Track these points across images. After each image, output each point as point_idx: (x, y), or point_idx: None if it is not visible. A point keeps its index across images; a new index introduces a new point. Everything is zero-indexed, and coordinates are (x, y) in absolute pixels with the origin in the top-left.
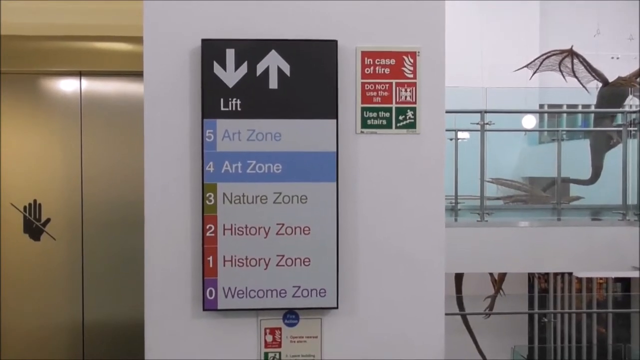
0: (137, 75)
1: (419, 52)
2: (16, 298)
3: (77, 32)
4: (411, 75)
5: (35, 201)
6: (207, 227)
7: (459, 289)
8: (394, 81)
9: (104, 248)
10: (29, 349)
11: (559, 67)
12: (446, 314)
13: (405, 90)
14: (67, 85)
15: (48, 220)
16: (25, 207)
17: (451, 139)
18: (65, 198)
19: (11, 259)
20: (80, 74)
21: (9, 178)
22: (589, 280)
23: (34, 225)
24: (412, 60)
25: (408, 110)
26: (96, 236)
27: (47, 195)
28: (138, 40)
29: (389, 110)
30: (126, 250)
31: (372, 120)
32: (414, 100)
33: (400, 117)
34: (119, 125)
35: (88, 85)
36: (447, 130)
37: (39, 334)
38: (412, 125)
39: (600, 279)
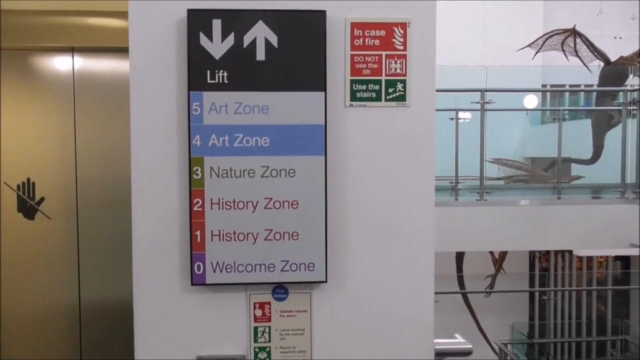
0: None
1: (409, 24)
2: (11, 277)
3: (69, 7)
4: (401, 47)
5: (28, 180)
6: (195, 201)
7: (459, 268)
8: (383, 53)
9: (99, 226)
10: (25, 328)
11: (562, 47)
12: (447, 293)
13: (395, 63)
14: (60, 62)
15: (42, 199)
16: (18, 186)
17: (452, 119)
18: (59, 176)
19: (5, 238)
20: (72, 50)
21: (2, 156)
22: (589, 258)
23: (28, 204)
24: (402, 32)
25: (398, 83)
26: (91, 215)
27: (41, 173)
28: None
29: (379, 82)
30: (122, 229)
31: (361, 92)
32: (404, 72)
33: (390, 90)
34: (112, 102)
35: (81, 61)
36: (448, 110)
37: (34, 313)
38: (402, 98)
39: (601, 257)
